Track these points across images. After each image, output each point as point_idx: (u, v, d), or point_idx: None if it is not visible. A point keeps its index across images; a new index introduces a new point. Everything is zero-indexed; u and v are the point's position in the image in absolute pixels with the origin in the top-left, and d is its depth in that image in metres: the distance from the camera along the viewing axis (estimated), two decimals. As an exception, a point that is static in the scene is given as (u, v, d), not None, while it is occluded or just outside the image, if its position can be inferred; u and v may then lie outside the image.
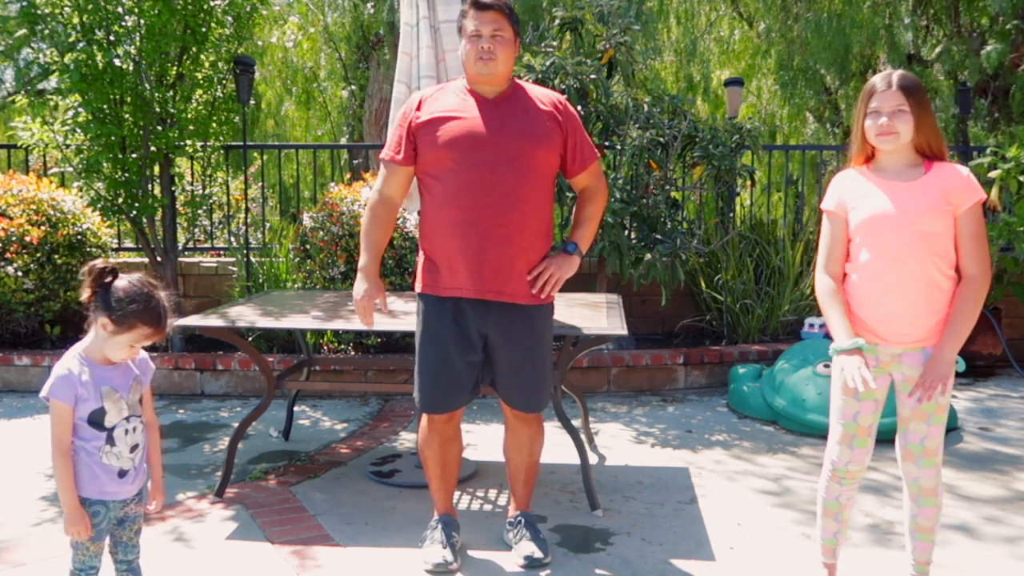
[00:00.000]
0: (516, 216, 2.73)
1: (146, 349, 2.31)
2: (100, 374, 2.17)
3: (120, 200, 5.51)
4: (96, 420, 2.15)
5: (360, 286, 2.88)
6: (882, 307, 2.39)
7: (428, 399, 2.88)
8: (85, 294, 2.16)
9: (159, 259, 5.76)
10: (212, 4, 5.48)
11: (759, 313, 5.93)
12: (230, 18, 5.68)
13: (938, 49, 9.70)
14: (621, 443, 4.36)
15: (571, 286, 4.59)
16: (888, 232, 2.37)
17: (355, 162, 10.73)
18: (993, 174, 5.78)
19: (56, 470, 2.14)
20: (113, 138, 5.35)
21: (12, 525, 3.24)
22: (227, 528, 3.23)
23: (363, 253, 2.90)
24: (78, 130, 5.33)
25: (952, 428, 4.57)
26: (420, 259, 2.88)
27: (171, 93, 5.52)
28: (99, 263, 2.16)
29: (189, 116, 5.61)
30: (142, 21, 5.21)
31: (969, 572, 2.89)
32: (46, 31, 5.18)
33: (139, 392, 2.25)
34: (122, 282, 2.15)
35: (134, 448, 2.22)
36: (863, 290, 2.43)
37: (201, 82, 5.72)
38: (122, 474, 2.20)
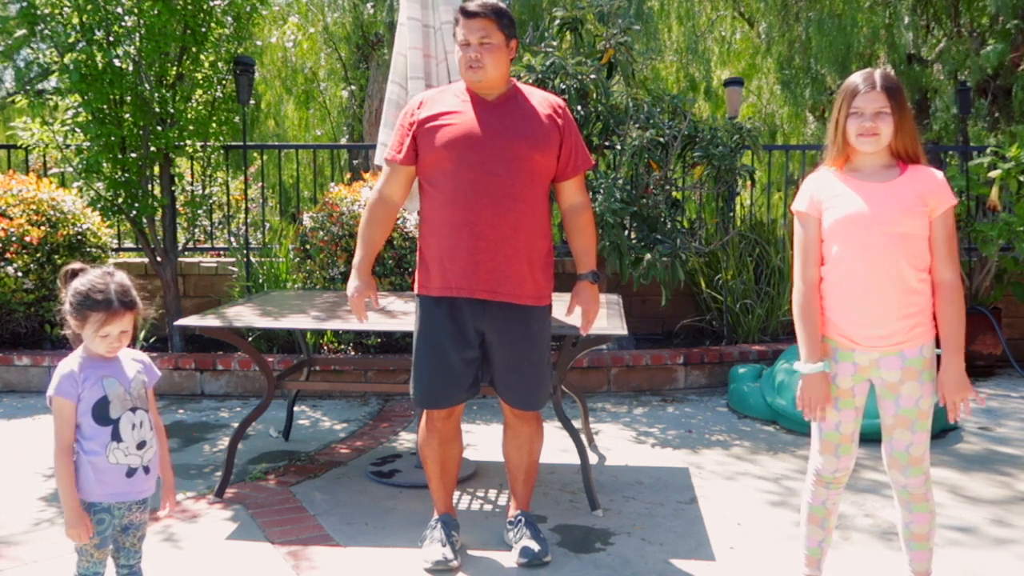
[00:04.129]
0: (512, 217, 2.74)
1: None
2: (101, 366, 2.17)
3: (120, 200, 5.51)
4: (101, 411, 2.14)
5: (352, 283, 2.90)
6: (857, 310, 2.36)
7: (424, 395, 2.88)
8: (61, 296, 2.19)
9: (159, 259, 5.76)
10: (212, 4, 5.47)
11: (759, 313, 5.93)
12: (230, 18, 5.68)
13: (938, 49, 9.70)
14: (621, 443, 4.36)
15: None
16: (862, 233, 2.33)
17: (355, 162, 10.74)
18: (993, 174, 5.78)
19: (57, 470, 2.12)
20: (113, 138, 5.34)
21: (12, 525, 3.24)
22: (227, 528, 3.23)
23: (358, 250, 2.91)
24: (78, 130, 5.33)
25: (952, 428, 4.57)
26: (418, 260, 2.89)
27: (171, 93, 5.52)
28: (66, 268, 2.19)
29: (189, 116, 5.61)
30: (142, 21, 5.21)
31: (976, 573, 2.89)
32: (46, 31, 5.18)
33: (143, 388, 2.24)
34: (76, 279, 2.17)
35: (141, 445, 2.19)
36: (837, 293, 2.39)
37: (201, 82, 5.72)
38: (130, 473, 2.17)
